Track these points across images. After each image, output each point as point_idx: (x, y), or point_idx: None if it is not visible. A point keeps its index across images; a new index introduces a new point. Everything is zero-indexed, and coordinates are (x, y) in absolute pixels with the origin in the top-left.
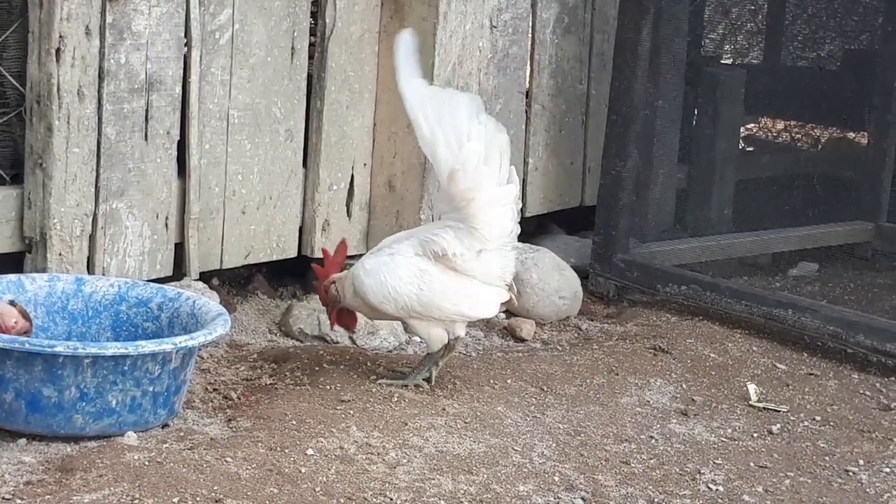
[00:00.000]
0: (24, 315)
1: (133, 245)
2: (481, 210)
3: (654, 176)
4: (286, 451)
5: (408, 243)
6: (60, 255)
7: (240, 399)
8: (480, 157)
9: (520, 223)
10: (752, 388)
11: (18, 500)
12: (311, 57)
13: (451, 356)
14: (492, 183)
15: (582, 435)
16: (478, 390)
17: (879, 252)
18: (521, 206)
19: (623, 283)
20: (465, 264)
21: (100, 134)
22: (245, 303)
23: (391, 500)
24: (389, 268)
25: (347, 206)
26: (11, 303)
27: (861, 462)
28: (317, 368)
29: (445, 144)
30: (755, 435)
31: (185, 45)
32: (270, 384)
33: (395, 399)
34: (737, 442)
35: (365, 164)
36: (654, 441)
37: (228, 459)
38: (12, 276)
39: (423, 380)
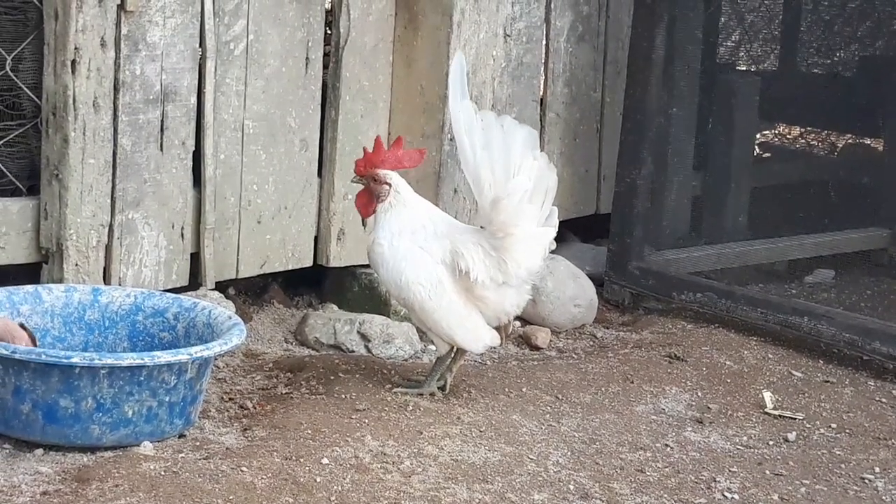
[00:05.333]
0: (34, 341)
1: (149, 255)
2: (515, 247)
3: (668, 183)
4: (301, 460)
5: (439, 246)
6: (77, 265)
7: (255, 408)
8: (527, 193)
9: None
10: (767, 395)
11: None
12: (325, 67)
13: (465, 364)
14: (532, 221)
15: (597, 443)
16: (493, 399)
17: None
18: (554, 246)
19: (638, 291)
20: (483, 291)
21: (115, 145)
22: (261, 312)
23: None
24: (412, 261)
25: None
26: (22, 326)
27: (877, 469)
28: (332, 377)
29: (490, 171)
30: (771, 443)
31: (200, 55)
32: (286, 393)
33: (410, 408)
34: (752, 450)
35: None
36: (669, 449)
37: (244, 469)
38: (29, 287)
39: (438, 388)
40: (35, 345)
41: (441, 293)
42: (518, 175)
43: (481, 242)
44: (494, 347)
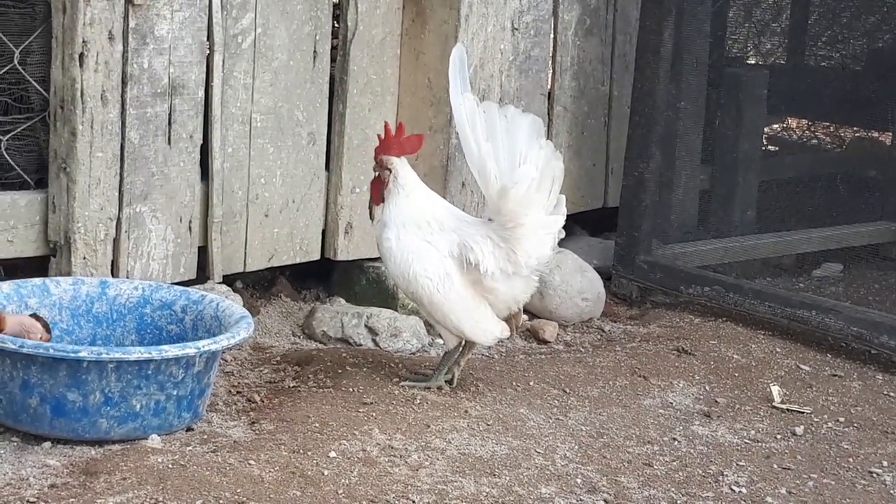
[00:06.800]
0: (47, 329)
1: (157, 248)
2: (526, 236)
3: (676, 177)
4: (309, 453)
5: (446, 240)
6: (85, 258)
7: (263, 402)
8: (534, 182)
9: None
10: (775, 389)
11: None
12: (333, 60)
13: (473, 358)
14: (541, 210)
15: (604, 437)
16: (500, 392)
17: None
18: (563, 235)
19: (646, 285)
20: (492, 283)
21: (123, 138)
22: (268, 305)
23: (414, 502)
24: (419, 255)
25: (370, 208)
26: (35, 316)
27: (885, 463)
28: (340, 371)
29: (494, 161)
30: (778, 436)
31: (208, 49)
32: (294, 387)
33: (418, 401)
34: (760, 443)
35: None
36: (676, 443)
37: (251, 462)
38: (37, 280)
39: (446, 381)
40: (49, 334)
41: (449, 286)
42: (524, 164)
43: (490, 234)
44: (503, 340)
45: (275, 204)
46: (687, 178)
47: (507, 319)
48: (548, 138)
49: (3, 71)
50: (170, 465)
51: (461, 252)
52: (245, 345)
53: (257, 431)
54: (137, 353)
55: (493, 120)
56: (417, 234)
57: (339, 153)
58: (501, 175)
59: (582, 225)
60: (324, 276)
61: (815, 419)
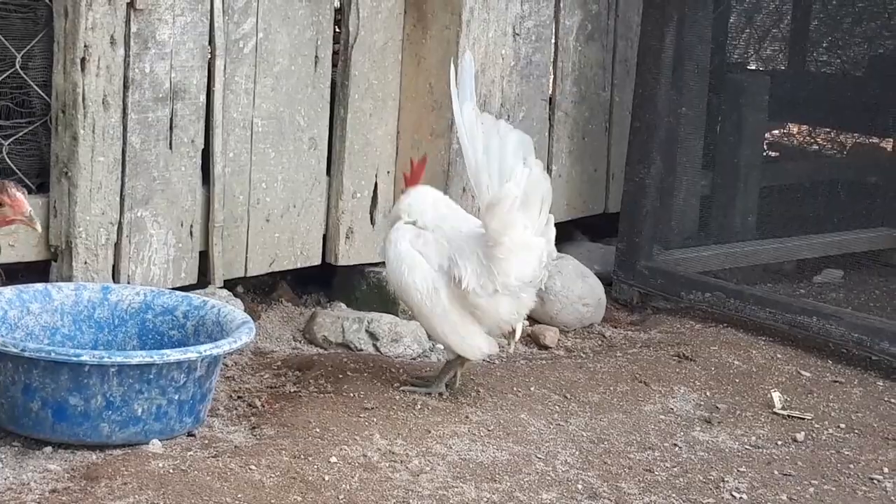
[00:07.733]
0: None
1: (158, 253)
2: (505, 256)
3: (677, 183)
4: (310, 458)
5: (437, 252)
6: (86, 263)
7: (264, 407)
8: (517, 200)
9: None
10: (776, 395)
11: None
12: (334, 65)
13: (473, 364)
14: (523, 230)
15: (605, 443)
16: (501, 398)
17: None
18: (555, 254)
19: (647, 290)
20: (475, 299)
21: (125, 143)
22: (269, 310)
23: None
24: (411, 266)
25: (371, 213)
26: None
27: (886, 470)
28: (340, 376)
29: (487, 174)
30: (779, 443)
31: (210, 54)
32: (294, 392)
33: (419, 407)
34: (761, 450)
35: (388, 172)
36: (677, 449)
37: (252, 467)
38: (39, 286)
39: (446, 386)
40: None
41: (436, 301)
42: (510, 181)
43: (477, 250)
44: (492, 356)
45: (276, 209)
46: (688, 184)
47: (507, 335)
48: (549, 144)
49: (4, 75)
50: (171, 470)
51: (450, 266)
52: (246, 350)
53: (258, 436)
54: (139, 357)
55: (490, 133)
56: (412, 242)
57: (341, 158)
58: (491, 188)
59: (583, 230)
60: (325, 280)
61: (816, 425)
